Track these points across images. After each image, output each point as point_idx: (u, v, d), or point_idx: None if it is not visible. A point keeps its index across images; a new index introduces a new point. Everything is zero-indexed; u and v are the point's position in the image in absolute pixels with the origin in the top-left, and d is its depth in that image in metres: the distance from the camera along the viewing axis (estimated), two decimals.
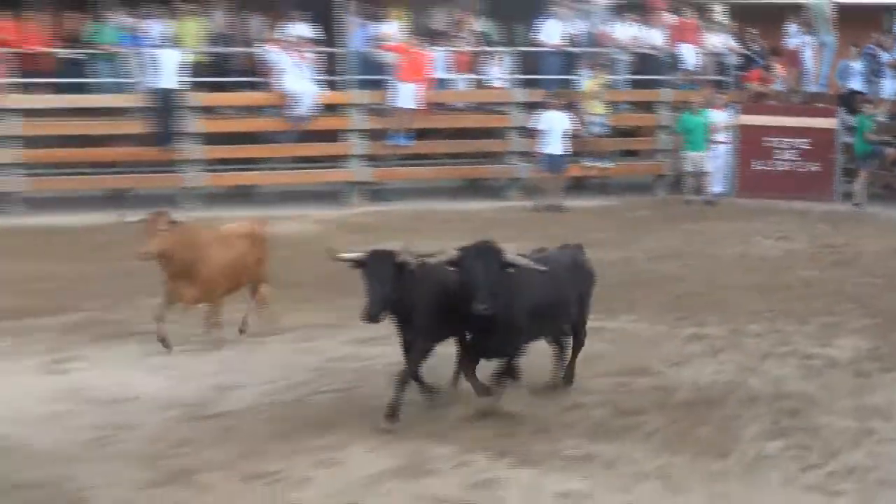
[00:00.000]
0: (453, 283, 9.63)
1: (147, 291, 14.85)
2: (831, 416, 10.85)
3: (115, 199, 21.63)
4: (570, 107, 22.76)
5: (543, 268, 9.61)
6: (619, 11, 25.05)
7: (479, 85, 24.44)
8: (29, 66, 21.91)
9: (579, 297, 10.81)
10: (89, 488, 9.14)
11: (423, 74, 22.80)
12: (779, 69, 24.97)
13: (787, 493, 9.10)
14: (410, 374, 10.03)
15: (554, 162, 22.48)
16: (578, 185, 23.51)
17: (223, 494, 9.15)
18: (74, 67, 22.17)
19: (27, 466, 9.57)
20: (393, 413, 9.86)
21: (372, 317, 9.39)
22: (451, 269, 9.57)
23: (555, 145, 22.43)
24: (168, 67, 21.40)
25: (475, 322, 9.52)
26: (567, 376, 10.92)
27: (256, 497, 9.15)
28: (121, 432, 10.43)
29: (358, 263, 9.62)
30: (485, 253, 9.50)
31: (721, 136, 23.44)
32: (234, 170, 22.72)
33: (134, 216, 12.59)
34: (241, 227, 13.51)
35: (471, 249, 9.62)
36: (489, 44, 24.46)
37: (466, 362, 10.19)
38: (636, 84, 24.76)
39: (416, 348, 10.03)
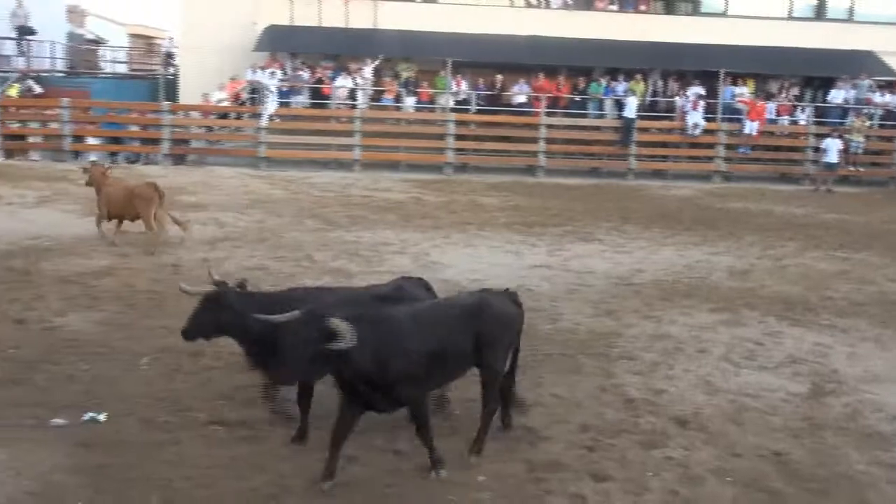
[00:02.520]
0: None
1: (596, 216, 16.21)
2: None
3: (593, 174, 22.60)
4: (840, 137, 22.23)
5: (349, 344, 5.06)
6: (878, 85, 23.98)
7: (791, 123, 23.79)
8: (555, 104, 23.12)
9: None
10: (561, 314, 9.66)
11: (760, 116, 22.70)
12: None
13: None
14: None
15: (830, 166, 22.13)
16: (844, 179, 22.88)
17: (633, 322, 9.52)
18: (579, 104, 23.29)
19: (531, 301, 9.56)
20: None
21: (186, 337, 6.27)
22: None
23: (831, 157, 22.00)
24: (629, 106, 22.26)
25: None
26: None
27: (645, 325, 9.38)
28: (590, 289, 10.83)
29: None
30: (307, 327, 5.14)
31: None
32: (655, 159, 23.29)
33: (83, 164, 12.93)
34: (134, 185, 12.28)
35: (301, 319, 5.22)
36: (799, 101, 23.95)
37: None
38: (883, 126, 23.75)
39: None
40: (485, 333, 5.94)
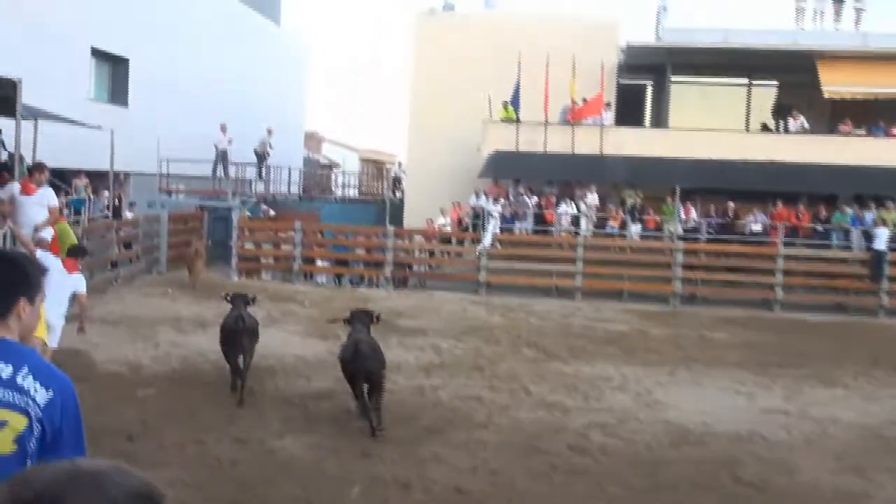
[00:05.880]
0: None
1: (841, 358, 14.88)
2: None
3: (837, 310, 21.11)
4: None
5: None
6: None
7: None
8: (794, 234, 22.57)
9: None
10: (798, 467, 8.94)
11: None
12: None
13: None
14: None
15: None
16: None
17: (885, 482, 8.60)
18: (821, 234, 22.51)
19: (763, 450, 9.58)
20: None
21: None
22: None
23: None
24: (879, 237, 21.16)
25: None
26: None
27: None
28: (833, 440, 10.10)
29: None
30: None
31: None
32: None
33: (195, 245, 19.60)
34: (188, 248, 19.78)
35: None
36: None
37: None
38: None
39: None
40: None
